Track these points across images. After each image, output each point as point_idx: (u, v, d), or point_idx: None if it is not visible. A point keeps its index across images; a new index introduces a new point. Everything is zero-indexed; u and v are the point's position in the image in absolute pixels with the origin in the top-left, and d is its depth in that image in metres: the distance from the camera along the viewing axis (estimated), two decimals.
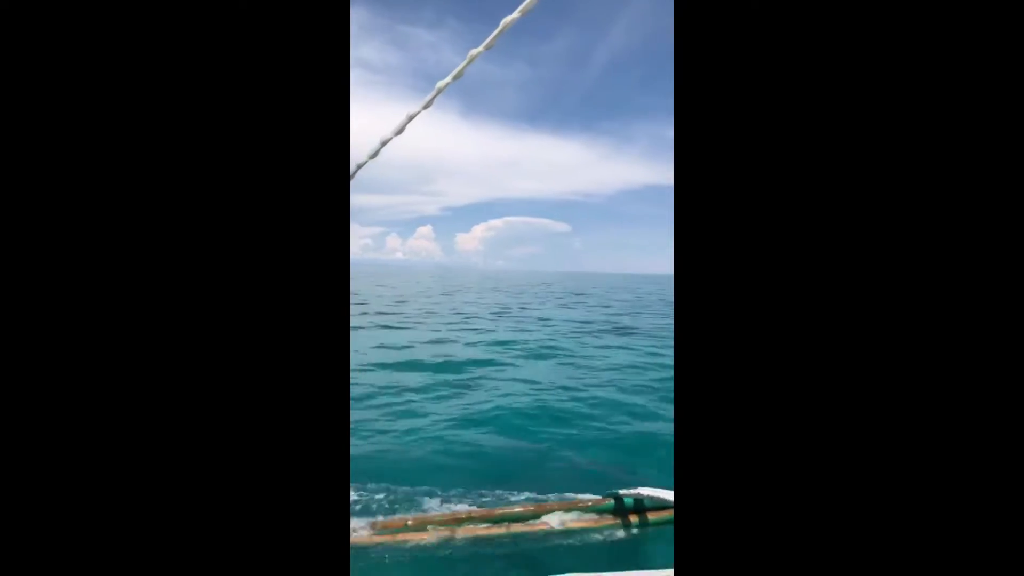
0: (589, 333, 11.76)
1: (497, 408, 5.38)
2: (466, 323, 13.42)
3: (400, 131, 1.00)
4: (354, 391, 5.71)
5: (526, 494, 3.48)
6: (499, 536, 2.92)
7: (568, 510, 3.06)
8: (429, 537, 2.85)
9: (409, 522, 2.95)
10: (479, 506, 3.26)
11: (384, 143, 1.00)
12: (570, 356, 8.68)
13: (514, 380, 6.75)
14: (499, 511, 3.07)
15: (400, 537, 2.84)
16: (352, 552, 2.68)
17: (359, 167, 0.99)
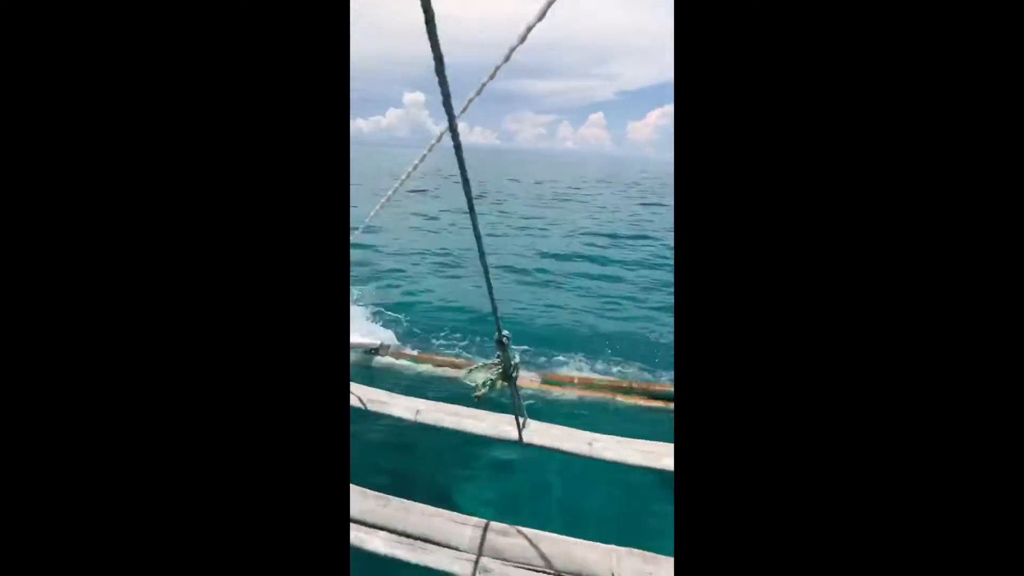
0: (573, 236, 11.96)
1: None
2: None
3: (542, 16, 1.04)
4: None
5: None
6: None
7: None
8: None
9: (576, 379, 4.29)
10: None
11: (529, 28, 1.06)
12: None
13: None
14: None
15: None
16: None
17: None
